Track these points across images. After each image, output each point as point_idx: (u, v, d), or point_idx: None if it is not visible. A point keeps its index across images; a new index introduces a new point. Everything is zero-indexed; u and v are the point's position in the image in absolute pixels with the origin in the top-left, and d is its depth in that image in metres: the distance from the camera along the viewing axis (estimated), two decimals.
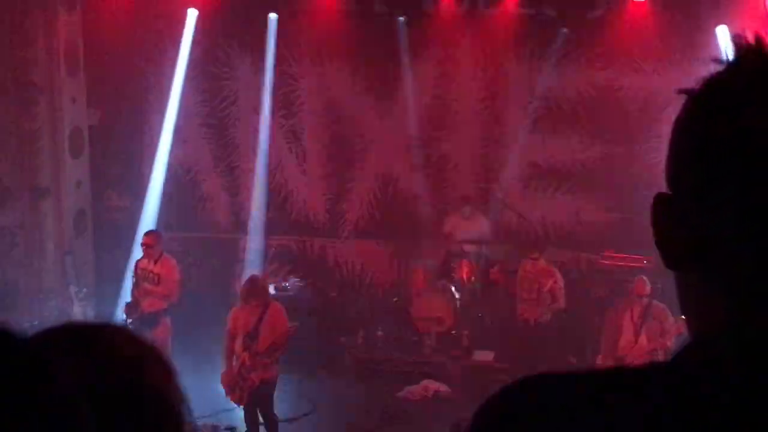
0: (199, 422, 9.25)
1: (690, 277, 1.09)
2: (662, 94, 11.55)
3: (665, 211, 1.07)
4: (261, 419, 9.16)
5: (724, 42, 11.07)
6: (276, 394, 9.21)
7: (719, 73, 1.04)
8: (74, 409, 1.14)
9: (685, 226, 1.04)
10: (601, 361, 9.79)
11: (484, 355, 10.93)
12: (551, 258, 11.78)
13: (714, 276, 1.04)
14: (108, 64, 12.03)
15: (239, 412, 9.40)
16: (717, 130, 1.00)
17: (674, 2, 11.00)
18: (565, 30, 11.90)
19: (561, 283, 10.22)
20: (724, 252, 1.02)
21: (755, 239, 0.99)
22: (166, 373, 1.47)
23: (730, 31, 10.30)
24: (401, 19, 12.03)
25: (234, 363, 8.93)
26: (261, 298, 9.04)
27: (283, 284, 12.01)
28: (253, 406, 9.04)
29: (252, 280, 9.40)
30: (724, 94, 1.03)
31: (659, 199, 1.08)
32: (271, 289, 10.90)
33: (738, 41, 1.02)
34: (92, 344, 1.45)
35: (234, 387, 8.87)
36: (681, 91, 1.09)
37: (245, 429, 9.27)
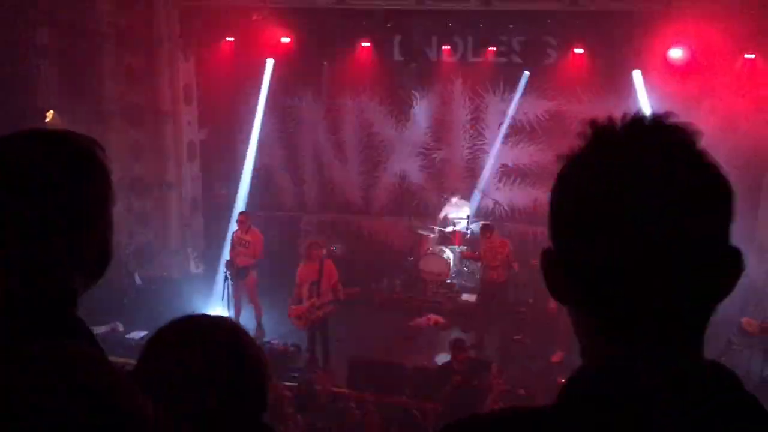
0: (273, 341, 9.64)
1: (575, 311, 0.96)
2: (593, 117, 11.79)
3: (549, 262, 0.96)
4: (319, 339, 9.34)
5: (637, 82, 11.04)
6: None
7: (580, 149, 0.94)
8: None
9: (560, 276, 0.94)
10: (551, 304, 9.33)
11: (468, 297, 11.06)
12: (518, 231, 12.14)
13: (590, 314, 0.93)
14: (213, 97, 12.07)
15: (301, 334, 9.54)
16: (569, 200, 0.92)
17: (603, 54, 10.91)
18: (527, 72, 11.86)
19: (511, 249, 9.85)
20: (592, 297, 0.91)
21: (610, 289, 0.88)
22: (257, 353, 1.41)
23: (642, 74, 10.59)
24: (414, 64, 12.07)
25: (302, 303, 9.06)
26: (318, 256, 9.21)
27: (331, 248, 11.89)
28: (314, 331, 9.25)
29: (312, 243, 9.50)
30: (577, 169, 0.93)
31: (544, 253, 0.96)
32: (324, 251, 11.15)
33: (595, 125, 0.94)
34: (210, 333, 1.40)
35: (301, 318, 9.06)
36: (559, 158, 0.98)
37: (306, 345, 9.47)
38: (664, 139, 0.89)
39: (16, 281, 1.25)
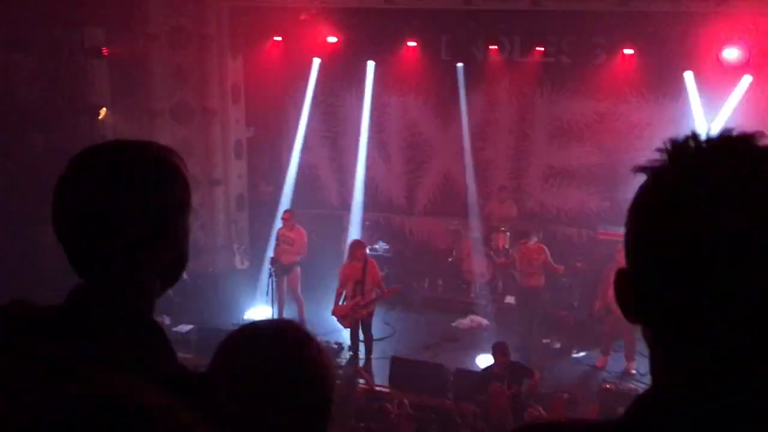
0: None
1: (645, 330, 0.93)
2: (643, 119, 11.43)
3: (624, 283, 0.93)
4: (362, 337, 9.39)
5: (689, 83, 10.83)
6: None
7: (662, 172, 0.88)
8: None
9: (636, 298, 0.91)
10: (597, 306, 9.50)
11: (511, 300, 10.90)
12: (563, 233, 12.08)
13: (659, 338, 0.91)
14: (260, 95, 12.15)
15: (344, 332, 9.61)
16: (657, 229, 0.86)
17: (653, 54, 10.62)
18: (575, 72, 11.57)
19: (549, 255, 9.62)
20: (661, 325, 0.89)
21: (690, 320, 0.84)
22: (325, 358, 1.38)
23: (694, 75, 10.37)
24: (460, 64, 11.97)
25: (346, 302, 9.15)
26: (362, 256, 9.30)
27: (375, 247, 12.02)
28: (357, 329, 9.33)
29: (356, 243, 9.56)
30: (662, 196, 0.87)
31: (621, 274, 0.94)
32: (367, 250, 11.20)
33: (674, 143, 0.88)
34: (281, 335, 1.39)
35: (346, 317, 9.12)
36: (635, 170, 0.93)
37: (349, 344, 9.55)
38: (758, 166, 0.82)
39: (98, 283, 1.33)
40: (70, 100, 10.07)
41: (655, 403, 0.88)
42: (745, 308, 0.80)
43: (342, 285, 9.19)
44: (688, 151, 0.86)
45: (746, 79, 10.48)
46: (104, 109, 10.44)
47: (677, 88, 11.07)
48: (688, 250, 0.80)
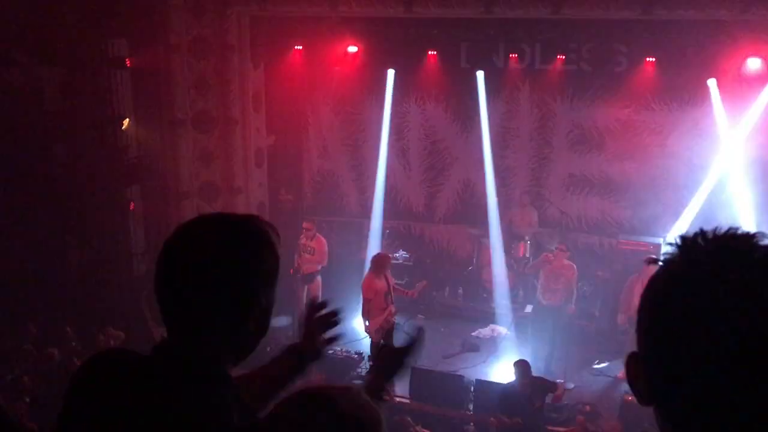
0: (336, 348, 9.27)
1: (656, 411, 0.99)
2: (666, 127, 11.33)
3: (634, 365, 0.99)
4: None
5: (712, 91, 10.72)
6: None
7: (675, 268, 0.95)
8: None
9: (645, 380, 0.96)
10: (621, 317, 9.47)
11: (531, 309, 10.57)
12: (585, 242, 11.98)
13: (664, 423, 0.96)
14: (280, 104, 12.19)
15: (362, 343, 9.61)
16: (666, 322, 0.92)
17: (676, 62, 10.59)
18: (596, 80, 11.53)
19: (576, 274, 9.54)
20: (665, 406, 0.95)
21: (689, 406, 0.91)
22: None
23: (717, 84, 10.29)
24: (480, 72, 11.92)
25: (376, 315, 8.99)
26: (388, 269, 9.24)
27: (395, 255, 11.91)
28: (380, 338, 9.10)
29: (385, 258, 9.40)
30: (680, 297, 0.92)
31: (631, 357, 0.99)
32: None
33: (685, 240, 0.95)
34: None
35: (380, 330, 8.98)
36: (649, 261, 1.06)
37: (369, 353, 9.39)
38: (753, 267, 0.90)
39: (189, 351, 1.46)
40: (94, 111, 10.18)
41: None
42: (758, 404, 0.86)
43: (370, 300, 9.00)
44: (698, 249, 0.94)
45: None
46: (127, 119, 10.55)
47: (699, 97, 10.99)
48: (708, 350, 0.87)
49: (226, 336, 1.46)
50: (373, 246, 12.17)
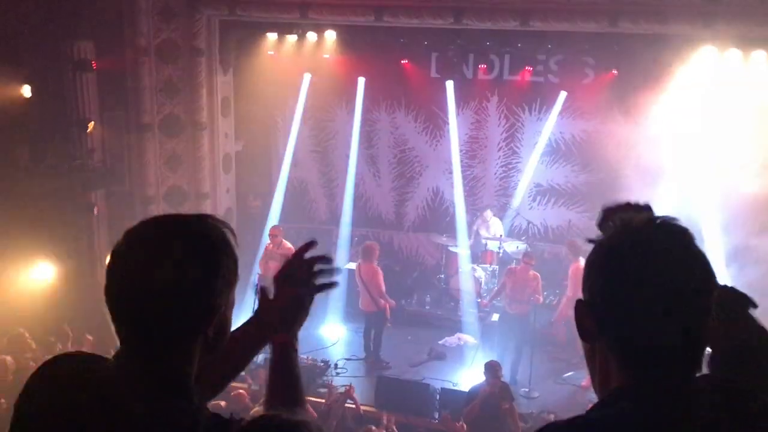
0: (301, 356, 9.73)
1: (595, 348, 1.29)
2: (631, 138, 11.15)
3: (581, 309, 1.29)
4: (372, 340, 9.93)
5: (671, 105, 10.64)
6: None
7: (614, 237, 1.27)
8: None
9: (594, 320, 1.26)
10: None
11: (497, 318, 10.65)
12: (552, 251, 12.09)
13: (611, 349, 1.25)
14: (250, 110, 12.14)
15: (331, 350, 9.71)
16: (610, 273, 1.24)
17: (640, 75, 10.71)
18: (564, 92, 11.74)
19: (541, 284, 9.58)
20: (616, 336, 1.24)
21: (634, 334, 1.21)
22: None
23: (679, 96, 10.37)
24: (450, 81, 12.04)
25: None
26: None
27: None
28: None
29: (375, 245, 10.18)
30: (614, 253, 1.25)
31: (579, 302, 1.29)
32: (354, 266, 11.06)
33: (623, 219, 1.28)
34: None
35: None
36: (590, 241, 1.32)
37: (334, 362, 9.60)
38: (676, 236, 1.26)
39: (146, 360, 1.39)
40: (59, 113, 9.97)
41: (629, 397, 1.22)
42: (686, 330, 1.22)
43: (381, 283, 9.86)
44: (634, 224, 1.29)
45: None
46: (93, 122, 10.35)
47: (661, 110, 11.05)
48: (643, 295, 1.21)
49: (183, 344, 1.40)
50: (342, 253, 12.11)
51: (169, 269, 1.34)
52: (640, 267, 1.21)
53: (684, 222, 1.28)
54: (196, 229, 1.42)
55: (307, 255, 1.92)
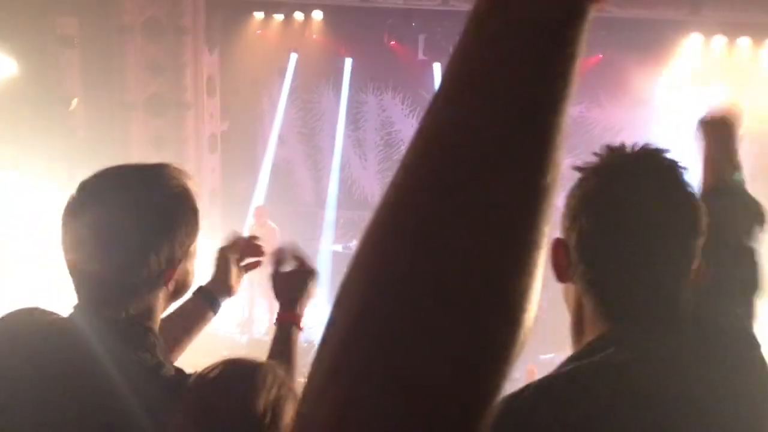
0: (266, 337, 9.76)
1: (570, 287, 1.23)
2: (617, 123, 11.47)
3: (559, 249, 1.21)
4: None
5: (658, 90, 10.93)
6: None
7: (597, 170, 1.20)
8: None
9: (569, 258, 1.19)
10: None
11: None
12: None
13: (587, 292, 1.19)
14: (236, 89, 12.09)
15: (310, 331, 9.65)
16: (588, 205, 1.17)
17: (626, 59, 10.71)
18: None
19: None
20: (594, 279, 1.17)
21: (612, 273, 1.14)
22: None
23: (665, 81, 10.45)
24: (437, 64, 11.83)
25: None
26: None
27: (348, 245, 11.90)
28: None
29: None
30: (590, 184, 1.19)
31: (556, 241, 1.21)
32: (339, 248, 11.11)
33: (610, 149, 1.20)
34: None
35: None
36: (575, 168, 1.24)
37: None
38: (666, 173, 1.20)
39: (106, 314, 1.37)
40: (40, 90, 9.85)
41: (613, 340, 1.15)
42: (670, 268, 1.17)
43: None
44: (622, 156, 1.23)
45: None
46: (76, 99, 10.24)
47: (649, 94, 11.10)
48: (628, 232, 1.14)
49: (143, 297, 1.37)
50: (327, 236, 12.08)
51: (126, 220, 1.32)
52: (621, 205, 1.15)
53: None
54: (155, 178, 1.39)
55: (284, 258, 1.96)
